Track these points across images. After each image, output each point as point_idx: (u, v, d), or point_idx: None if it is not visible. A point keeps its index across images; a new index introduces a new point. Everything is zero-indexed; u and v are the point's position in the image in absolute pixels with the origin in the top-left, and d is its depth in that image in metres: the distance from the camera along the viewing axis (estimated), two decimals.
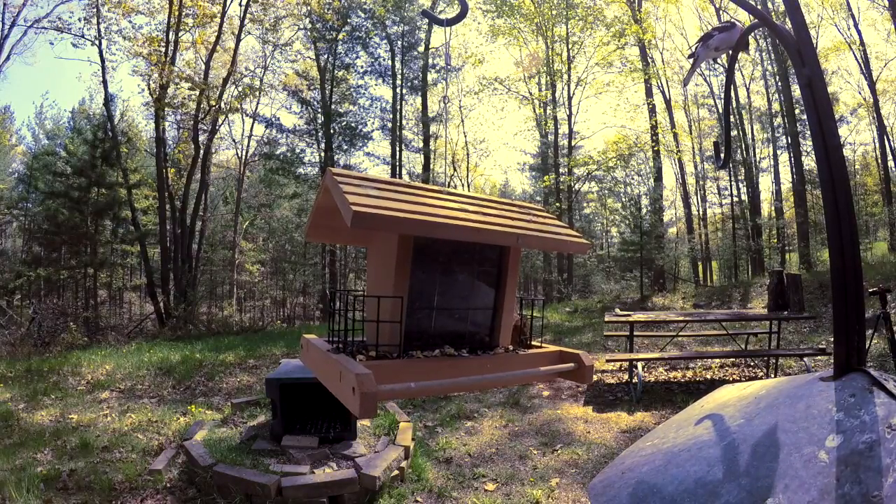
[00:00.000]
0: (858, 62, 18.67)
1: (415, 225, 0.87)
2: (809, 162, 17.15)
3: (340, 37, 18.79)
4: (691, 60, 1.59)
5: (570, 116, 19.94)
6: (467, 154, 24.26)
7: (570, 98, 19.83)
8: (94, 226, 17.85)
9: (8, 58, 14.46)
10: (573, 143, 21.28)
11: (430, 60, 20.10)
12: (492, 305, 1.12)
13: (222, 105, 14.79)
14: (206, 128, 15.01)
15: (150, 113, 14.98)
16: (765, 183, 29.82)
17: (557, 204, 18.32)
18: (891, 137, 19.53)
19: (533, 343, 1.19)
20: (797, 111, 16.84)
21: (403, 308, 0.96)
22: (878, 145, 19.92)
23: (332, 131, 19.56)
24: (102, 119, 16.98)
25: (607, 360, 5.79)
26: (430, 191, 1.04)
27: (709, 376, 5.93)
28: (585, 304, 13.23)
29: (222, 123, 17.22)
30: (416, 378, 0.88)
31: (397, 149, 20.97)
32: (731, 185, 22.57)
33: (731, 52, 1.55)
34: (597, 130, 50.61)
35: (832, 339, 1.25)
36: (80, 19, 13.65)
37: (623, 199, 22.15)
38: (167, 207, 14.38)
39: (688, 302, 11.65)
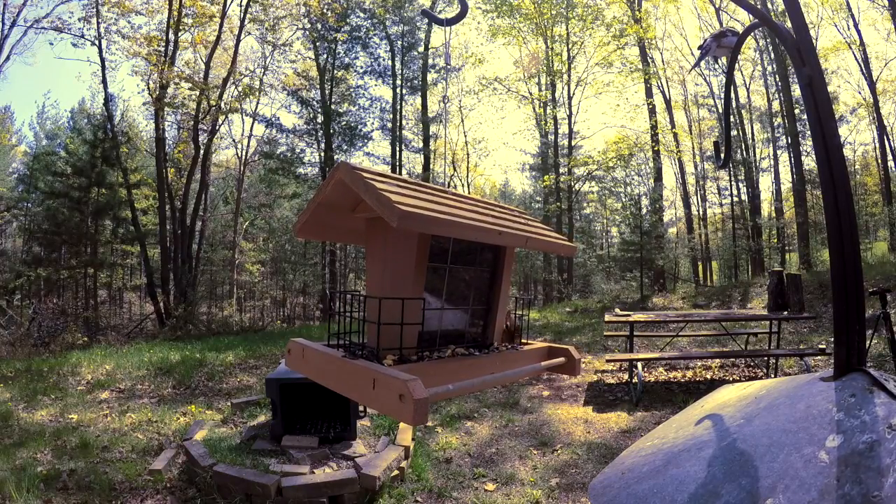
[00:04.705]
0: (858, 62, 18.66)
1: (450, 226, 0.86)
2: (809, 162, 17.15)
3: (340, 37, 18.78)
4: (699, 51, 1.66)
5: (570, 116, 19.95)
6: (467, 154, 24.27)
7: (570, 98, 19.84)
8: (94, 226, 17.85)
9: (8, 58, 14.42)
10: (573, 143, 21.29)
11: (430, 60, 20.11)
12: (488, 305, 1.13)
13: (222, 105, 14.77)
14: (206, 128, 15.00)
15: (150, 113, 14.97)
16: (765, 183, 29.89)
17: (557, 204, 18.31)
18: (891, 137, 19.55)
19: (522, 340, 1.21)
20: (797, 111, 16.82)
21: (424, 309, 0.96)
22: (878, 145, 19.92)
23: (331, 131, 19.56)
24: (102, 119, 16.97)
25: (607, 360, 5.79)
26: (439, 191, 1.04)
27: (709, 376, 5.92)
28: (585, 304, 13.22)
29: (222, 123, 17.21)
30: (443, 379, 0.87)
31: (397, 149, 20.98)
32: (731, 185, 22.57)
33: (731, 52, 1.61)
34: (597, 130, 50.70)
35: (832, 339, 1.25)
36: (79, 19, 13.62)
37: (623, 199, 22.15)
38: (167, 207, 14.37)
39: (688, 302, 11.64)
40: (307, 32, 18.03)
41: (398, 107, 20.83)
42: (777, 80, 18.38)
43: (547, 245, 1.15)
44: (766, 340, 6.19)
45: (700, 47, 1.66)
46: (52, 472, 3.35)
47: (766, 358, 5.97)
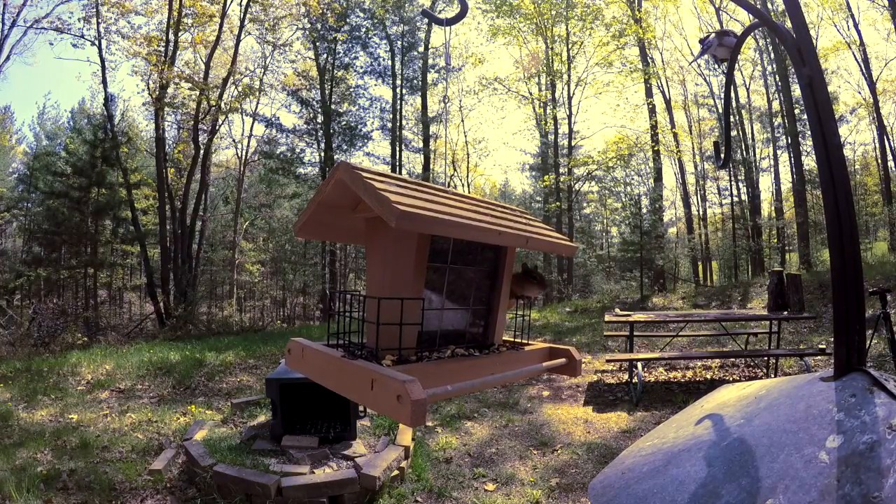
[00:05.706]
0: (858, 62, 18.66)
1: (449, 226, 0.85)
2: (809, 162, 17.16)
3: (340, 37, 18.78)
4: (701, 45, 1.67)
5: (569, 116, 19.96)
6: (467, 154, 24.27)
7: (570, 98, 19.84)
8: (94, 226, 17.84)
9: (8, 58, 14.41)
10: (573, 143, 21.29)
11: (430, 60, 20.12)
12: (488, 305, 1.13)
13: (222, 105, 14.77)
14: (206, 128, 14.99)
15: (150, 113, 14.97)
16: (765, 183, 29.90)
17: (557, 204, 18.31)
18: (891, 137, 19.54)
19: (523, 341, 1.21)
20: (797, 111, 16.83)
21: (423, 310, 0.96)
22: (878, 145, 19.91)
23: (331, 131, 19.57)
24: (102, 119, 16.97)
25: (607, 360, 5.79)
26: (439, 191, 1.03)
27: (709, 376, 5.92)
28: (585, 304, 13.22)
29: (222, 123, 17.20)
30: (443, 380, 0.86)
31: (397, 149, 20.98)
32: (731, 185, 22.58)
33: (731, 53, 1.61)
34: (597, 130, 50.66)
35: (832, 339, 1.25)
36: (79, 19, 13.61)
37: (623, 199, 22.15)
38: (167, 207, 14.37)
39: (688, 302, 11.64)
40: (307, 32, 18.03)
41: (398, 107, 20.85)
42: (777, 80, 18.39)
43: (548, 245, 1.15)
44: (766, 340, 6.19)
45: (702, 41, 1.66)
46: (52, 472, 3.35)
47: (766, 358, 5.97)
